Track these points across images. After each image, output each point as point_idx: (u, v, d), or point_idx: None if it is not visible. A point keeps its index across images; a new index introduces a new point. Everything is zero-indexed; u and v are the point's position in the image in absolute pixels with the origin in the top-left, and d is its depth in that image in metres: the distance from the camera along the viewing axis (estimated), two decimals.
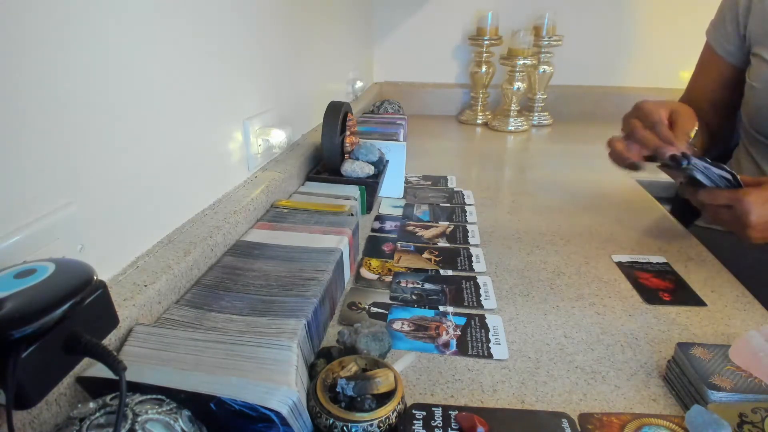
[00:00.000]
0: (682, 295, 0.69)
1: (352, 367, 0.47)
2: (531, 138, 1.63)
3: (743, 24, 0.83)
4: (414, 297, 0.67)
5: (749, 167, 0.86)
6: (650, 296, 0.68)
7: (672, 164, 0.64)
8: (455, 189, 1.08)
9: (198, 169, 0.66)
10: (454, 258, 0.77)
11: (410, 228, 0.88)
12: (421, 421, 0.46)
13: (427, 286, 0.70)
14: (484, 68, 1.72)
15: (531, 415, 0.48)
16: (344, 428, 0.41)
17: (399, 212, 0.95)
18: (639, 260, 0.78)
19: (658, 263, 0.77)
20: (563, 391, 0.51)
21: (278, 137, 0.82)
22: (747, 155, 0.87)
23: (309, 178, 0.93)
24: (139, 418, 0.33)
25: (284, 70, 0.94)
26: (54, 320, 0.31)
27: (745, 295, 0.69)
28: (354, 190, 0.86)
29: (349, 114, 0.96)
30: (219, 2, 0.68)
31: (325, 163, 0.93)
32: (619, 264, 0.77)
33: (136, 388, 0.37)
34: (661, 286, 0.70)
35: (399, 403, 0.44)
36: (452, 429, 0.45)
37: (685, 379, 0.49)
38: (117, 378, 0.33)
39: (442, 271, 0.74)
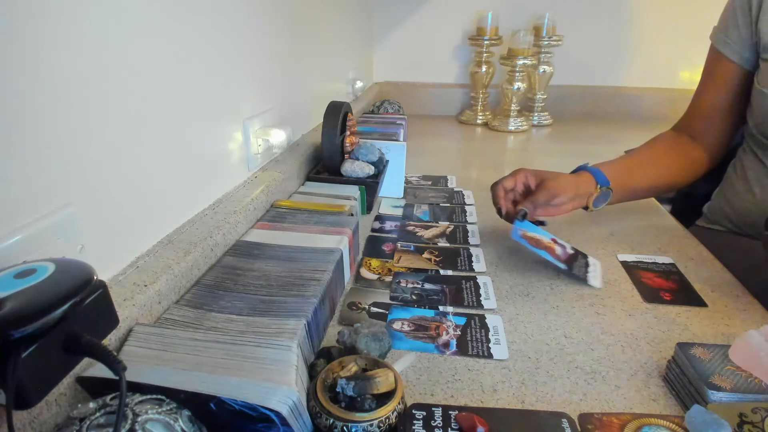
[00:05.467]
0: (683, 295, 0.69)
1: (352, 367, 0.47)
2: (531, 138, 1.63)
3: (755, 27, 0.81)
4: (414, 297, 0.67)
5: (755, 168, 0.85)
6: (650, 295, 0.68)
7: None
8: (455, 189, 1.08)
9: (198, 169, 0.66)
10: (454, 258, 0.77)
11: (410, 228, 0.88)
12: (421, 421, 0.46)
13: (427, 286, 0.70)
14: (484, 68, 1.72)
15: (531, 415, 0.48)
16: (344, 428, 0.41)
17: (399, 212, 0.95)
18: (644, 260, 0.78)
19: (663, 263, 0.77)
20: (563, 391, 0.51)
21: (278, 137, 0.82)
22: (752, 155, 0.86)
23: (309, 178, 0.93)
24: (139, 418, 0.33)
25: (284, 70, 0.94)
26: (54, 320, 0.31)
27: (745, 295, 0.69)
28: (354, 190, 0.86)
29: (349, 114, 0.96)
30: (219, 2, 0.68)
31: (325, 163, 0.93)
32: (624, 263, 0.77)
33: (136, 388, 0.37)
34: (664, 286, 0.70)
35: (399, 403, 0.44)
36: (452, 429, 0.45)
37: (685, 379, 0.49)
38: (117, 378, 0.33)
39: (442, 271, 0.73)
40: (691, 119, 0.94)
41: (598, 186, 0.81)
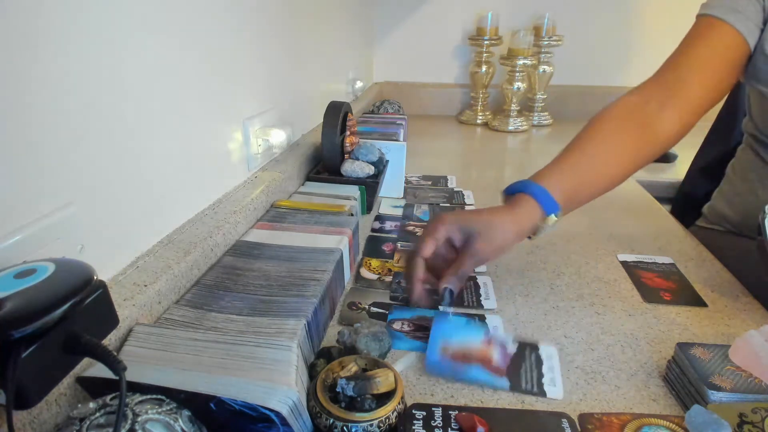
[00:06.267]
0: (683, 295, 0.69)
1: (352, 367, 0.47)
2: (531, 138, 1.63)
3: (765, 2, 0.73)
4: None
5: (757, 169, 0.85)
6: (650, 295, 0.68)
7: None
8: (455, 189, 1.08)
9: (198, 169, 0.66)
10: None
11: (410, 228, 0.88)
12: (421, 421, 0.46)
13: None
14: (484, 68, 1.72)
15: (531, 415, 0.48)
16: (344, 428, 0.41)
17: (399, 212, 0.95)
18: (644, 260, 0.78)
19: (663, 263, 0.77)
20: (563, 391, 0.51)
21: (278, 137, 0.82)
22: (753, 154, 0.86)
23: (309, 178, 0.93)
24: (139, 418, 0.33)
25: (284, 70, 0.94)
26: (54, 320, 0.31)
27: (745, 295, 0.69)
28: (354, 190, 0.86)
29: (349, 114, 0.96)
30: (219, 2, 0.68)
31: (325, 163, 0.93)
32: (624, 263, 0.77)
33: (136, 388, 0.37)
34: (663, 286, 0.70)
35: (399, 403, 0.44)
36: (452, 429, 0.45)
37: (685, 379, 0.49)
38: (117, 378, 0.33)
39: None
40: (668, 80, 0.75)
41: (546, 216, 0.63)
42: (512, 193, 0.66)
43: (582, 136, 0.71)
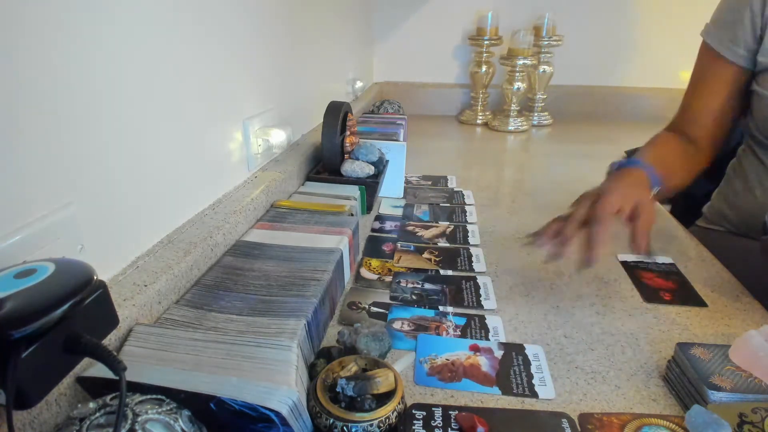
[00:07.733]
0: (683, 295, 0.69)
1: (352, 367, 0.47)
2: (531, 138, 1.63)
3: (761, 24, 0.77)
4: (414, 297, 0.67)
5: (756, 169, 0.85)
6: (650, 295, 0.68)
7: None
8: (455, 189, 1.08)
9: (198, 169, 0.66)
10: (454, 258, 0.77)
11: (410, 228, 0.88)
12: (421, 421, 0.46)
13: (427, 286, 0.70)
14: (484, 68, 1.72)
15: (531, 415, 0.48)
16: (344, 428, 0.41)
17: (399, 212, 0.95)
18: (644, 260, 0.78)
19: (663, 263, 0.77)
20: (563, 391, 0.51)
21: (278, 137, 0.82)
22: (753, 156, 0.86)
23: (309, 178, 0.94)
24: (139, 418, 0.33)
25: (284, 70, 0.94)
26: (54, 320, 0.31)
27: (745, 295, 0.69)
28: (354, 190, 0.86)
29: (349, 114, 0.96)
30: (219, 2, 0.68)
31: (325, 163, 0.93)
32: (624, 263, 0.77)
33: (136, 388, 0.37)
34: (664, 286, 0.70)
35: (399, 403, 0.44)
36: (452, 429, 0.45)
37: (685, 379, 0.49)
38: (117, 378, 0.33)
39: (442, 271, 0.73)
40: (688, 125, 0.88)
41: (653, 188, 0.73)
42: (620, 167, 0.76)
43: (654, 142, 0.88)
